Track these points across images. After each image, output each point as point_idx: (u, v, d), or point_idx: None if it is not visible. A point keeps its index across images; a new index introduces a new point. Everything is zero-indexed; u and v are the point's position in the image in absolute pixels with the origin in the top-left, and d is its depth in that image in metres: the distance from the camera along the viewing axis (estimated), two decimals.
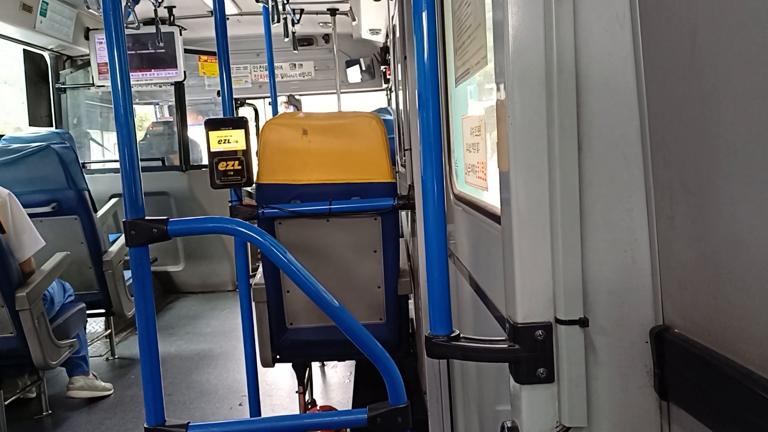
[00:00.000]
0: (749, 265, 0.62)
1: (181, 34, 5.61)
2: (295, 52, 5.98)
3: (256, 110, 7.17)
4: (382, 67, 6.95)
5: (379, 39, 6.44)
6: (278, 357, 2.68)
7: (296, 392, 2.99)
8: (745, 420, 0.61)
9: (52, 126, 5.66)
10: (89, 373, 3.74)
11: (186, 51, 5.74)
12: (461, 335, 0.98)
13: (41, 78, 5.60)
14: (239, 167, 2.54)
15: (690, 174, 0.72)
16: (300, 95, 7.38)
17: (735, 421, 0.63)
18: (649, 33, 0.80)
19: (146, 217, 1.49)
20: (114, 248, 4.15)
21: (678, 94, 0.74)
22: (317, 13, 5.90)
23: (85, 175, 4.12)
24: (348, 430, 2.77)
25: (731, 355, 0.65)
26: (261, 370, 2.77)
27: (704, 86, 0.68)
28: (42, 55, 5.54)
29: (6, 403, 3.37)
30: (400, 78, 3.67)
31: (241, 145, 2.54)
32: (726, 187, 0.65)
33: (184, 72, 5.69)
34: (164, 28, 5.34)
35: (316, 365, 4.07)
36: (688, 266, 0.76)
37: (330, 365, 4.14)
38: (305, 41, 6.75)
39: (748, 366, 0.62)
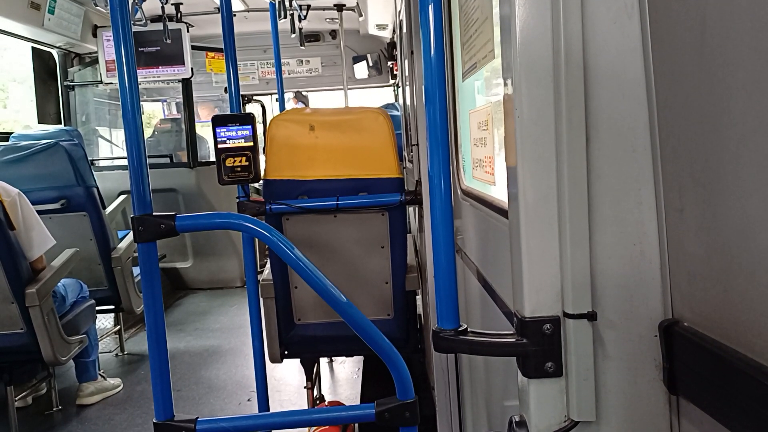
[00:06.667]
0: (759, 257, 0.61)
1: (188, 31, 5.62)
2: (302, 48, 5.97)
3: (263, 106, 7.18)
4: (389, 63, 6.94)
5: (386, 34, 6.43)
6: (286, 353, 2.69)
7: (304, 387, 3.00)
8: (755, 414, 0.61)
9: (60, 123, 5.68)
10: (98, 376, 3.76)
11: (193, 48, 5.75)
12: (469, 329, 0.98)
13: (50, 75, 5.63)
14: (246, 163, 2.54)
15: (699, 166, 0.71)
16: (307, 91, 7.39)
17: (745, 415, 0.63)
18: (658, 24, 0.79)
19: (154, 213, 1.50)
20: (123, 245, 4.16)
21: (687, 86, 0.73)
22: (324, 9, 5.90)
23: (94, 172, 4.14)
24: (356, 425, 2.77)
25: (741, 348, 0.65)
26: (269, 365, 2.78)
27: (714, 77, 0.67)
28: (50, 52, 5.57)
29: (17, 398, 3.39)
30: (407, 73, 3.66)
31: (248, 142, 2.55)
32: (736, 179, 0.64)
33: (192, 69, 5.70)
34: (171, 25, 5.34)
35: (324, 361, 4.08)
36: (697, 259, 0.75)
37: (338, 361, 4.15)
38: (312, 37, 6.75)
39: (759, 359, 0.62)
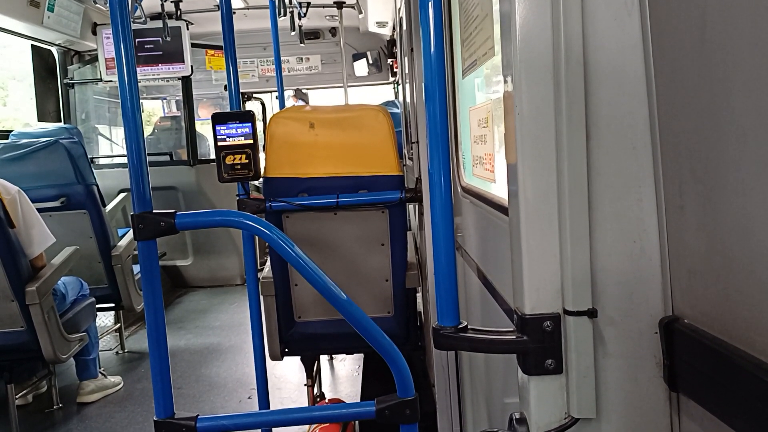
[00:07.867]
0: (759, 254, 0.61)
1: (188, 29, 5.61)
2: (302, 45, 5.97)
3: (263, 104, 7.17)
4: (389, 60, 6.94)
5: (386, 32, 6.42)
6: (287, 350, 2.69)
7: (305, 385, 3.00)
8: (755, 410, 0.61)
9: (60, 121, 5.68)
10: (98, 374, 3.76)
11: (193, 45, 5.74)
12: (469, 326, 0.98)
13: (49, 73, 5.62)
14: (246, 161, 2.54)
15: (699, 163, 0.71)
16: (307, 89, 7.38)
17: (745, 412, 0.63)
18: (658, 21, 0.79)
19: (154, 211, 1.50)
20: (123, 242, 4.16)
21: (687, 83, 0.73)
22: (324, 6, 5.89)
23: (94, 170, 4.13)
24: (357, 422, 2.78)
25: (741, 345, 0.65)
26: (270, 363, 2.78)
27: (714, 74, 0.67)
28: (50, 50, 5.56)
29: (17, 396, 3.40)
30: (407, 71, 3.66)
31: (248, 139, 2.54)
32: (736, 177, 0.64)
33: (192, 66, 5.69)
34: (171, 23, 5.34)
35: (324, 358, 4.08)
36: (697, 256, 0.75)
37: (338, 358, 4.15)
38: (312, 35, 6.74)
39: (759, 356, 0.62)
